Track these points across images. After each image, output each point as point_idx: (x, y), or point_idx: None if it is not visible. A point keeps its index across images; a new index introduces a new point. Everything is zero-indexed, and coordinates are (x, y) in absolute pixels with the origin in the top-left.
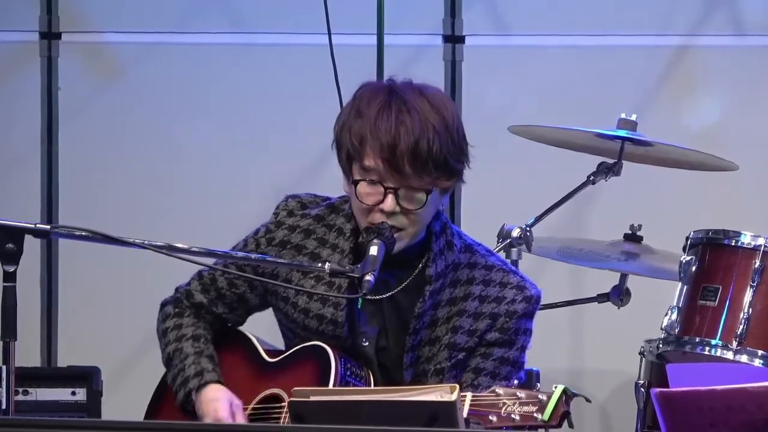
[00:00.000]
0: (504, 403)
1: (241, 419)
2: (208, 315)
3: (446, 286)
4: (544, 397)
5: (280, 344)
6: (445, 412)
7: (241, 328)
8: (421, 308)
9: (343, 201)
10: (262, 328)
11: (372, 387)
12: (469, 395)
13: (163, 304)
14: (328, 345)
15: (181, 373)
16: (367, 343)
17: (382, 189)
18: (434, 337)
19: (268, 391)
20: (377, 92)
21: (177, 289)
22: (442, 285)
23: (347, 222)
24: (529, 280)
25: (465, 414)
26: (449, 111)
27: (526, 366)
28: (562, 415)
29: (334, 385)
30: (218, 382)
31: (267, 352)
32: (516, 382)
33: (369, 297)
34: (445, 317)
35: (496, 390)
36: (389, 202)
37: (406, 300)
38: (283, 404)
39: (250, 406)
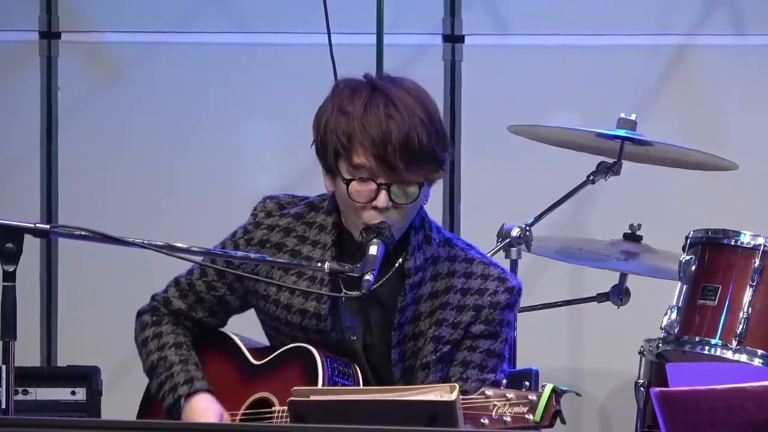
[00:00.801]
0: (494, 405)
1: None
2: (187, 321)
3: (427, 280)
4: (534, 397)
5: (265, 341)
6: (444, 411)
7: (224, 329)
8: (402, 302)
9: (321, 199)
10: (248, 328)
11: (361, 383)
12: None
13: (140, 314)
14: (313, 344)
15: (169, 380)
16: (355, 338)
17: (374, 186)
18: (418, 332)
19: (256, 395)
20: (358, 88)
21: (153, 297)
22: (422, 278)
23: (328, 216)
24: (509, 272)
25: None
26: (430, 102)
27: (526, 366)
28: (554, 414)
29: (322, 387)
30: (208, 390)
31: (252, 352)
32: (504, 381)
33: (348, 293)
34: (428, 311)
35: (486, 392)
36: (382, 199)
37: (387, 295)
38: (273, 408)
39: (240, 411)
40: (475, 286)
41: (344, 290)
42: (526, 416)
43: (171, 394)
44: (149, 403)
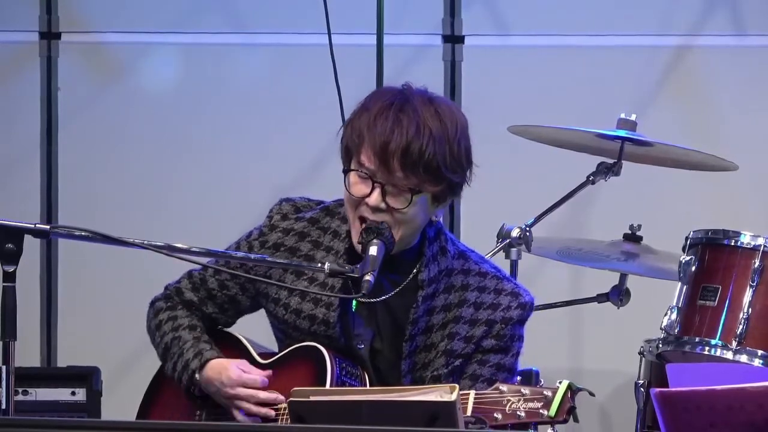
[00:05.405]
0: (508, 400)
1: (256, 374)
2: (198, 312)
3: (440, 292)
4: (549, 393)
5: (273, 346)
6: (445, 412)
7: (231, 330)
8: (415, 314)
9: (337, 204)
10: (257, 331)
11: (369, 386)
12: (472, 393)
13: (153, 301)
14: (322, 345)
15: (181, 359)
16: (362, 347)
17: (371, 183)
18: (430, 344)
19: None
20: (386, 93)
21: (167, 287)
22: (436, 290)
23: (342, 224)
24: (522, 286)
25: (469, 413)
26: (455, 123)
27: (526, 366)
28: (568, 410)
29: (330, 386)
30: (218, 357)
31: (259, 354)
32: (519, 379)
33: (363, 299)
34: (441, 323)
35: (500, 387)
36: (375, 196)
37: (399, 305)
38: (279, 406)
39: None
40: (488, 301)
41: (353, 293)
42: (541, 411)
43: (185, 372)
44: (158, 388)
